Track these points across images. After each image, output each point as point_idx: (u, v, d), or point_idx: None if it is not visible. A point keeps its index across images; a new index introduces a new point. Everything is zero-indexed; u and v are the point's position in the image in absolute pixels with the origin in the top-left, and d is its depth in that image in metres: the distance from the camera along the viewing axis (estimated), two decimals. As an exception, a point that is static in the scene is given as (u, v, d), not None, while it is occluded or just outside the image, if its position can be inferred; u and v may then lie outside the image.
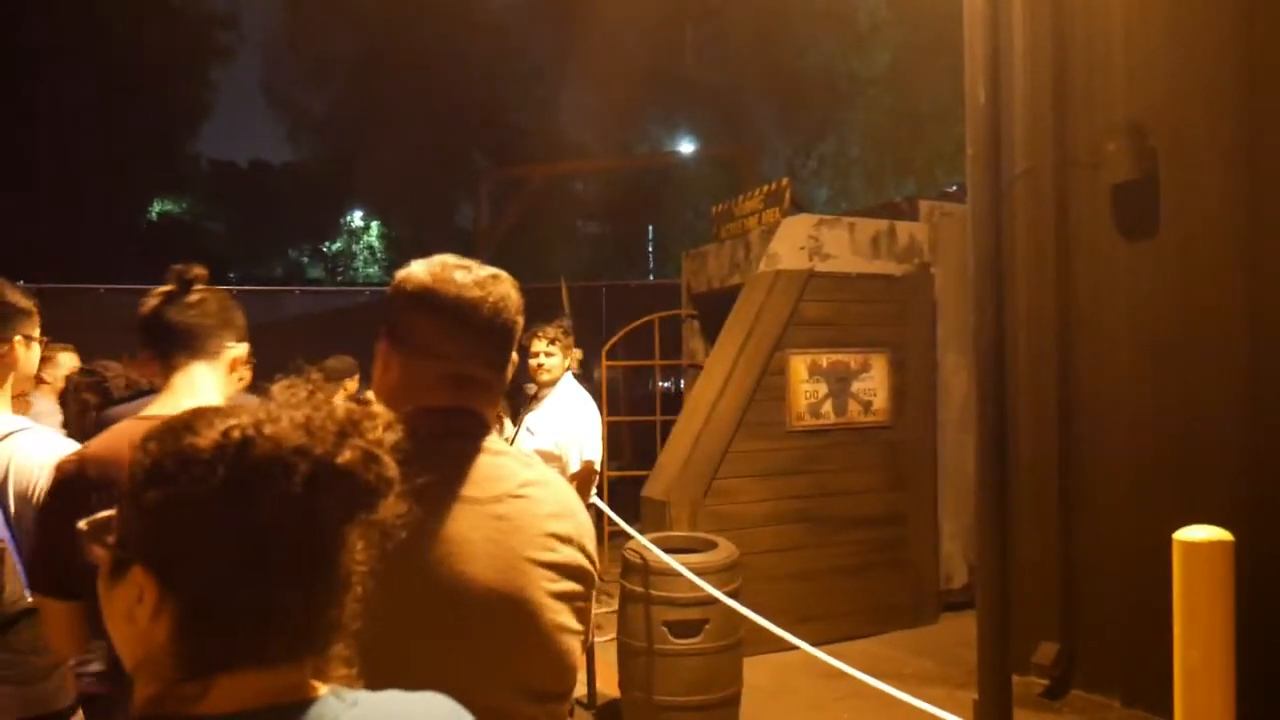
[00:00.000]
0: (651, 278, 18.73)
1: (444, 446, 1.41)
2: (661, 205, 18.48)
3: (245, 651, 0.86)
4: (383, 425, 0.93)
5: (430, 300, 1.46)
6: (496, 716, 1.23)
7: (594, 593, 1.50)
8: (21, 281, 9.59)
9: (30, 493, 2.20)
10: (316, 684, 0.91)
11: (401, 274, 1.52)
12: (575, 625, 1.43)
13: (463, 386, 1.47)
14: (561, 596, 1.41)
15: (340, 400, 0.92)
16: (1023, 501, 5.56)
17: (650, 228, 19.77)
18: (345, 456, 0.87)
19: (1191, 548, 2.34)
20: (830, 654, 4.22)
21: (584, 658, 4.86)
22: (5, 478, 2.23)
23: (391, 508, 0.92)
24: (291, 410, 0.89)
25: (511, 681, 1.38)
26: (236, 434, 0.86)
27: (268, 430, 0.86)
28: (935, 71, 12.83)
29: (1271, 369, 4.56)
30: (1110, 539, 5.31)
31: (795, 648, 4.36)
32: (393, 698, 0.96)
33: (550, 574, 1.40)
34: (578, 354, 5.37)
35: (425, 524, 1.26)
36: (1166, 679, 4.98)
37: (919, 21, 12.82)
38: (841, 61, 15.11)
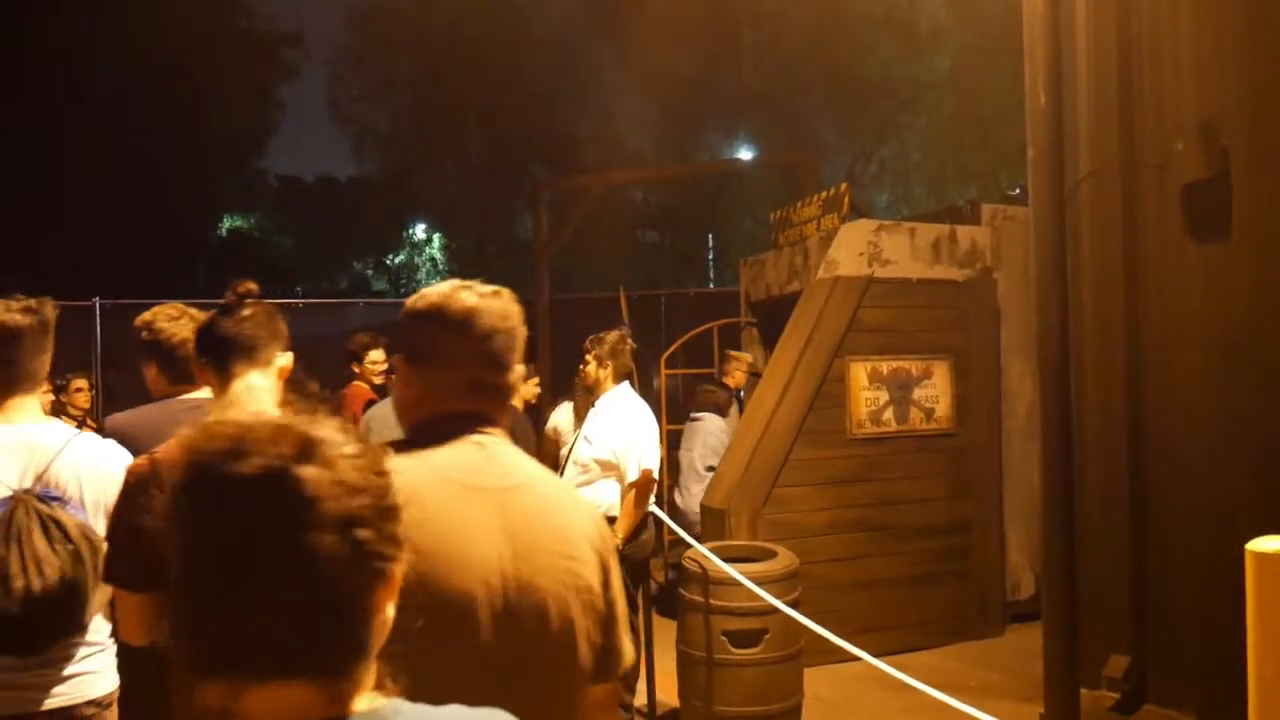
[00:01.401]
0: (711, 286, 18.69)
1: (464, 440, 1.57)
2: (720, 213, 18.44)
3: (252, 663, 0.87)
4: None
5: (441, 316, 1.62)
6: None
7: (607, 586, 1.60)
8: (97, 298, 9.90)
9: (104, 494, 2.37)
10: (358, 698, 0.92)
11: (412, 299, 1.69)
12: (581, 617, 1.53)
13: (477, 392, 1.62)
14: (572, 588, 1.53)
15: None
16: (1092, 510, 5.42)
17: (709, 236, 19.75)
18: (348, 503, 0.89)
19: (1266, 559, 2.26)
20: (893, 665, 4.16)
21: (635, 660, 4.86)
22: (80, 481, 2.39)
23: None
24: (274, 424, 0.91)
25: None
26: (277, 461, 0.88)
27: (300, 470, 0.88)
28: (997, 74, 12.62)
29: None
30: (1184, 549, 5.15)
31: (857, 659, 4.31)
32: (451, 711, 0.98)
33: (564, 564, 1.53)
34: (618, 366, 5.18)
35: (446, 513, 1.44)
36: (1240, 693, 4.83)
37: (980, 24, 12.62)
38: (901, 66, 14.94)
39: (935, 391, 6.73)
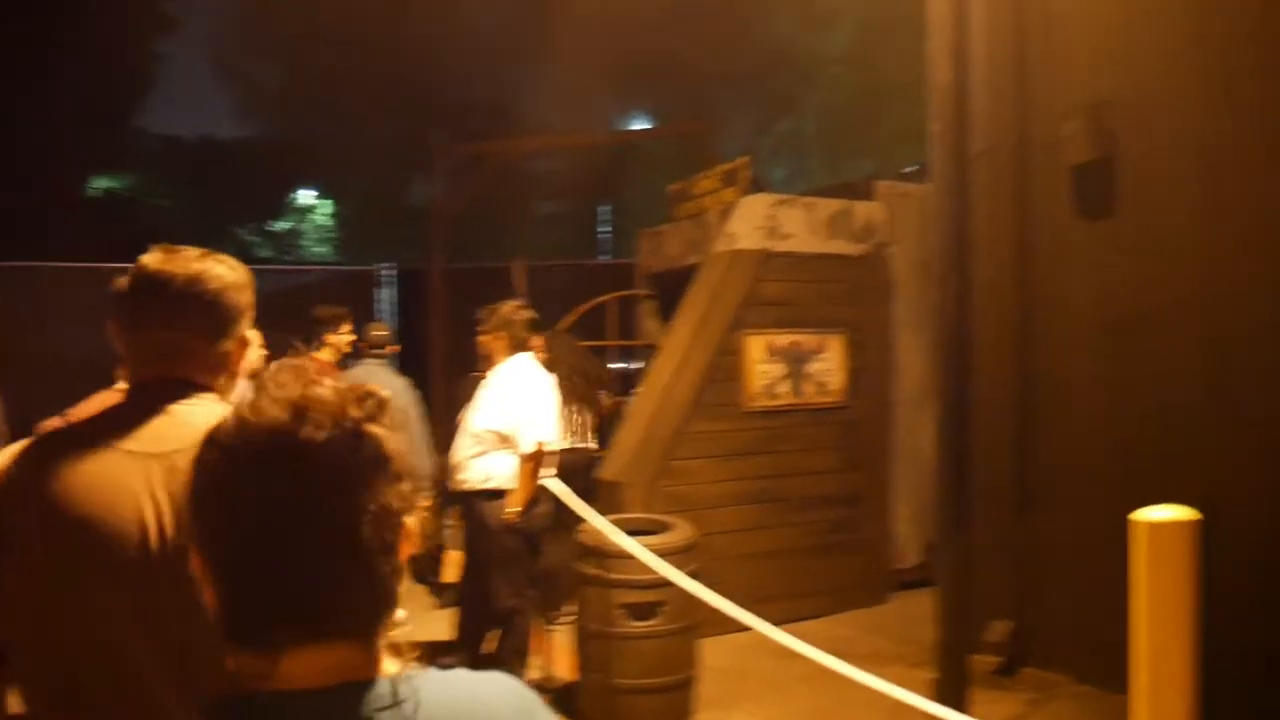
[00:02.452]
0: (608, 258, 18.60)
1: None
2: (620, 184, 18.35)
3: (293, 627, 0.89)
4: (373, 403, 0.96)
5: (135, 281, 1.63)
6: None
7: None
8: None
9: None
10: (385, 663, 0.95)
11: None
12: None
13: (171, 357, 1.62)
14: None
15: (330, 382, 0.96)
16: (979, 480, 5.56)
17: (608, 207, 19.62)
18: (330, 435, 0.91)
19: (1153, 528, 2.31)
20: (787, 634, 4.19)
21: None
22: None
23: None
24: (284, 393, 0.92)
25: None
26: (236, 421, 0.92)
27: (258, 416, 0.91)
28: (895, 50, 12.84)
29: (1227, 348, 4.59)
30: (1064, 518, 5.34)
31: (752, 629, 4.33)
32: (460, 676, 1.02)
33: None
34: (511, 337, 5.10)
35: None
36: (1118, 656, 5.03)
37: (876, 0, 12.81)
38: (800, 39, 15.05)
39: (830, 365, 6.81)
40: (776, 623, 6.35)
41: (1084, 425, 5.25)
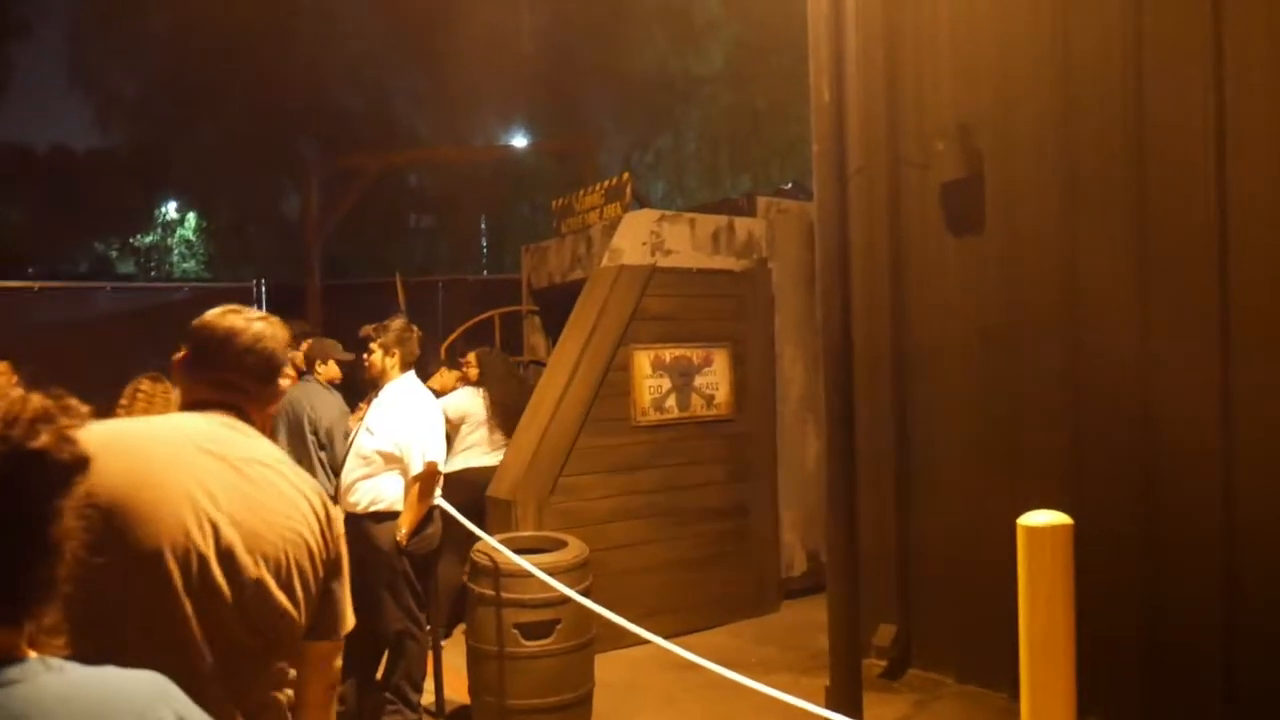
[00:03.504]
0: (486, 273, 18.45)
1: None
2: (498, 199, 18.21)
3: None
4: (76, 415, 1.08)
5: (212, 328, 2.01)
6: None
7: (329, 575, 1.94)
8: None
9: None
10: (28, 649, 1.02)
11: (207, 314, 2.04)
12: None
13: (233, 390, 1.99)
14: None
15: (36, 396, 1.06)
16: (861, 488, 5.73)
17: (486, 221, 19.43)
18: (40, 441, 1.01)
19: (1034, 532, 2.43)
20: (679, 647, 4.22)
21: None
22: None
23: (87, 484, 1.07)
24: None
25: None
26: None
27: None
28: (770, 70, 13.12)
29: (1088, 354, 4.85)
30: (943, 522, 5.54)
31: (645, 643, 4.34)
32: (104, 671, 1.09)
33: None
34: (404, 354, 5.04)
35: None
36: (997, 655, 5.24)
37: (752, 19, 13.06)
38: (677, 59, 15.25)
39: (715, 378, 6.91)
40: (670, 635, 6.38)
41: (958, 432, 5.47)
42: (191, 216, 26.35)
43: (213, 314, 2.03)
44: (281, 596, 1.79)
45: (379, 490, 4.84)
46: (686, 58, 15.36)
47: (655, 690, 5.59)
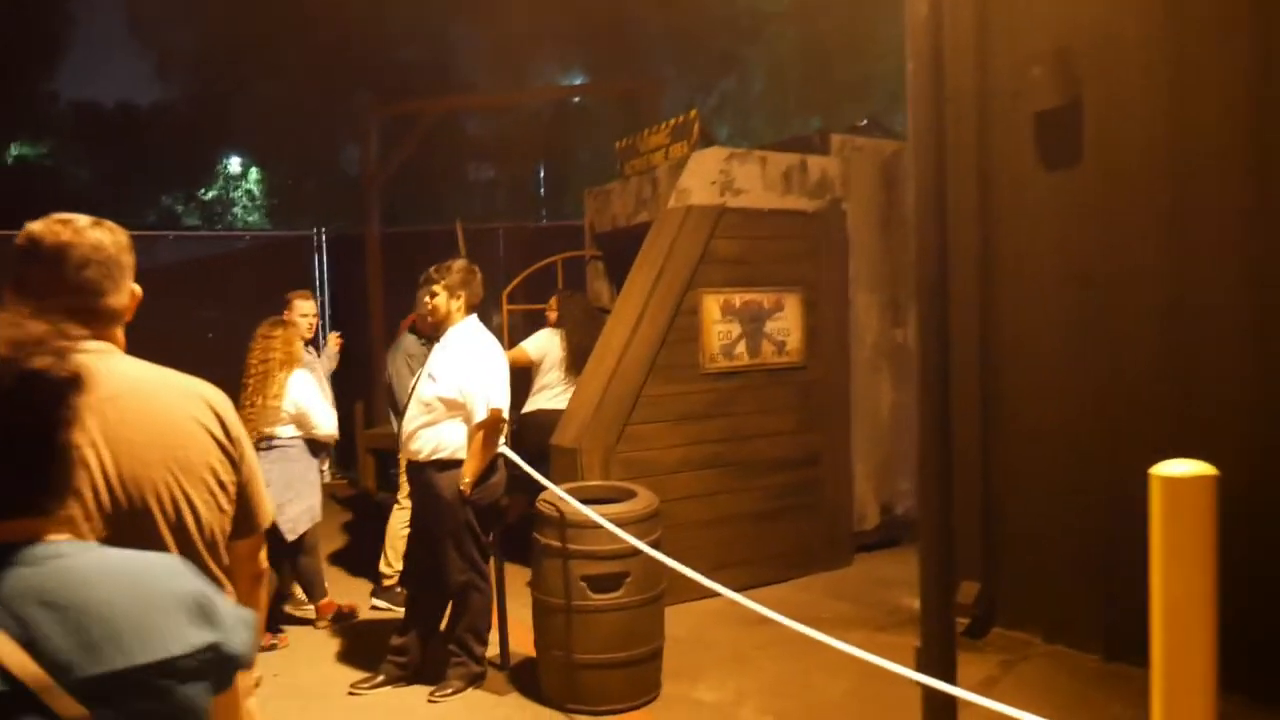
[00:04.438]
0: (545, 219, 18.20)
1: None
2: (557, 145, 17.89)
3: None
4: (71, 339, 1.24)
5: (36, 250, 1.78)
6: None
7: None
8: None
9: None
10: (56, 534, 1.20)
11: (20, 233, 1.81)
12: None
13: (74, 317, 1.65)
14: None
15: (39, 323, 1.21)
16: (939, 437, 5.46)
17: (545, 168, 19.14)
18: (42, 361, 1.17)
19: (1173, 483, 2.16)
20: (752, 600, 4.02)
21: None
22: None
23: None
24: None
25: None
26: None
27: None
28: (842, 4, 12.58)
29: (1195, 298, 4.49)
30: (1031, 475, 5.24)
31: (713, 595, 4.13)
32: (129, 551, 1.28)
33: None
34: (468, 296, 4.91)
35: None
36: (1089, 615, 4.95)
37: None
38: (741, -3, 14.73)
39: (787, 324, 6.64)
40: (738, 589, 6.24)
41: (1049, 380, 5.15)
42: (254, 171, 26.49)
43: (33, 230, 1.79)
44: (190, 530, 1.76)
45: (441, 438, 4.69)
46: (750, -4, 14.78)
47: (725, 645, 5.41)
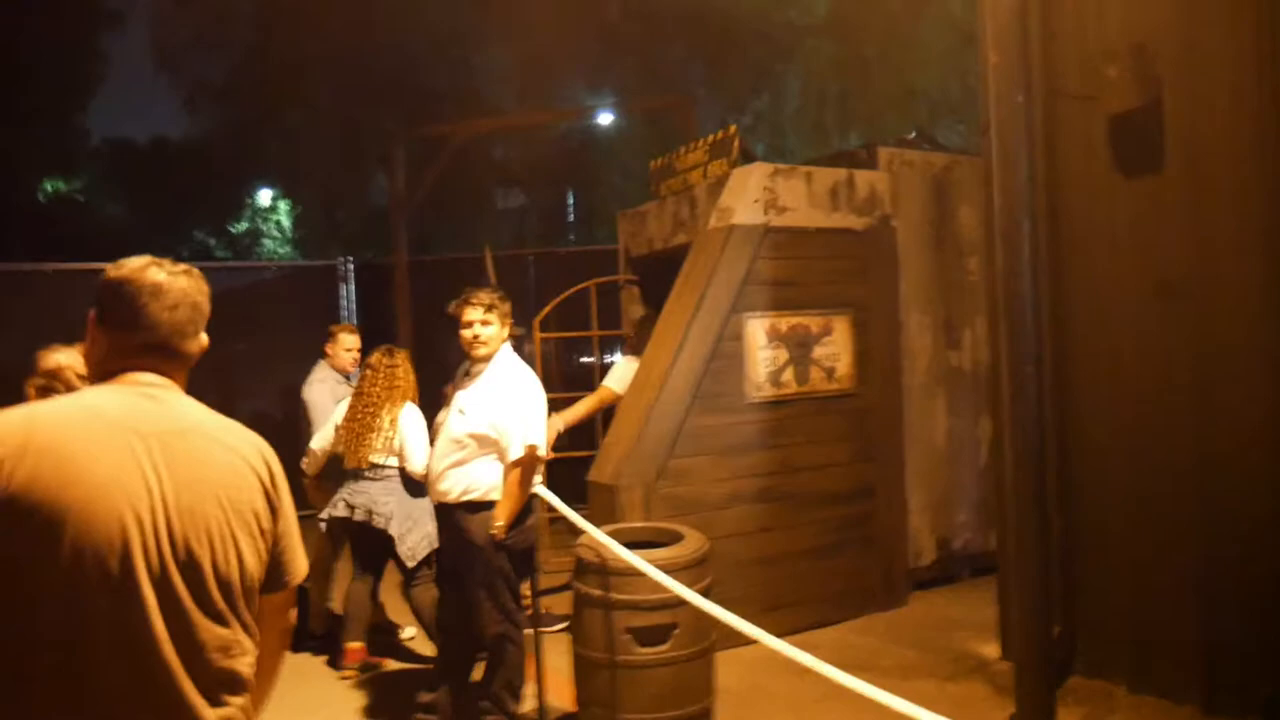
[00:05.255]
0: (574, 244, 17.89)
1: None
2: (586, 168, 17.60)
3: None
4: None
5: (132, 285, 1.85)
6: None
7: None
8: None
9: None
10: None
11: (110, 267, 1.88)
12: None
13: (154, 354, 1.86)
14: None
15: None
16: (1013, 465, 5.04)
17: (573, 192, 18.86)
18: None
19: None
20: (802, 645, 3.61)
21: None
22: None
23: None
24: None
25: None
26: None
27: None
28: (880, 15, 12.21)
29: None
30: (1112, 505, 4.80)
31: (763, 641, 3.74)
32: None
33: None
34: (516, 329, 4.69)
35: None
36: (1182, 661, 4.49)
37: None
38: (778, 10, 14.31)
39: (836, 349, 6.25)
40: (789, 632, 5.82)
41: (1130, 405, 4.72)
42: (283, 204, 26.50)
43: (131, 268, 1.88)
44: (233, 572, 1.78)
45: (473, 478, 4.34)
46: (787, 10, 14.36)
47: (782, 698, 4.99)
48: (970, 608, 6.34)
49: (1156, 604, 4.63)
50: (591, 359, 9.59)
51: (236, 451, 1.86)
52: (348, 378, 6.22)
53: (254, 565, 1.83)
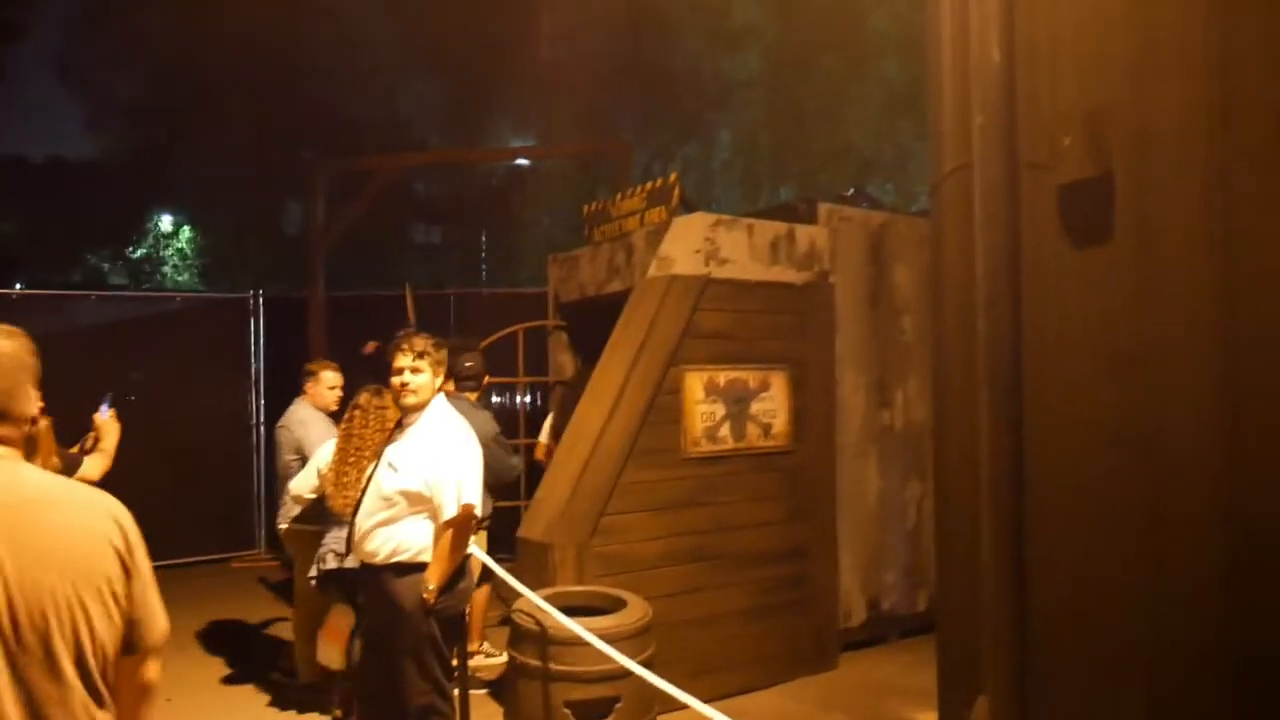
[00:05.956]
0: (498, 285, 17.62)
1: None
2: (510, 208, 17.38)
3: None
4: None
5: None
6: None
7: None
8: None
9: None
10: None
11: None
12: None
13: None
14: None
15: None
16: (958, 535, 4.95)
17: (497, 232, 18.60)
18: None
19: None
20: (734, 713, 3.43)
21: None
22: None
23: None
24: None
25: None
26: None
27: None
28: (817, 72, 12.35)
29: (1248, 379, 4.06)
30: (1062, 578, 4.74)
31: (692, 706, 3.54)
32: None
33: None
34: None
35: None
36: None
37: (795, 20, 12.26)
38: (710, 61, 14.39)
39: (773, 405, 6.14)
40: (720, 696, 5.62)
41: (1083, 467, 4.68)
42: (186, 229, 25.59)
43: None
44: (84, 640, 1.78)
45: (402, 537, 4.05)
46: (719, 60, 14.44)
47: (718, 771, 4.77)
48: (901, 671, 6.25)
49: (1107, 681, 4.56)
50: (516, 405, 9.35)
51: (83, 520, 1.85)
52: (332, 416, 5.94)
53: (106, 631, 1.83)
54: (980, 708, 4.84)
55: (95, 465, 4.34)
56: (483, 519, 5.88)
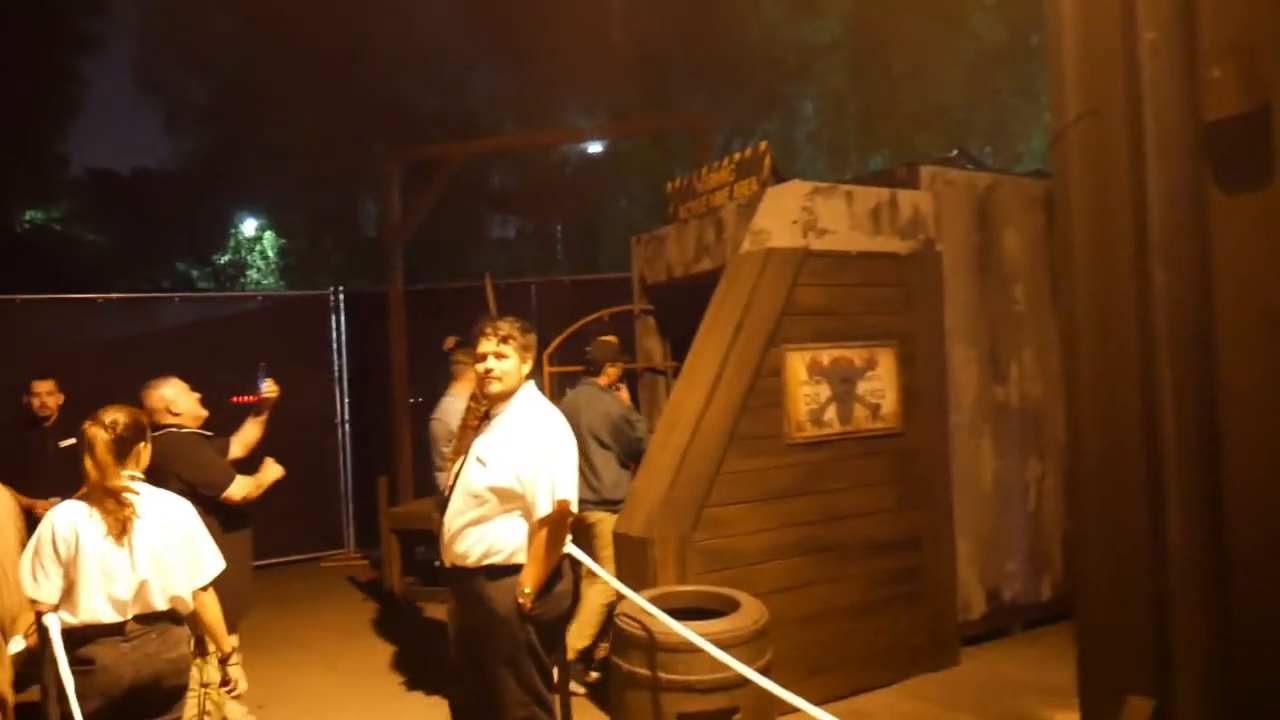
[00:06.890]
0: (579, 272, 17.34)
1: None
2: (587, 195, 17.08)
3: None
4: None
5: None
6: None
7: None
8: None
9: None
10: None
11: None
12: None
13: None
14: None
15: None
16: (1097, 512, 4.48)
17: (575, 220, 18.35)
18: None
19: None
20: (853, 715, 3.07)
21: None
22: None
23: None
24: None
25: None
26: None
27: None
28: (903, 32, 11.75)
29: None
30: (1243, 569, 4.24)
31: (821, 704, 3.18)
32: None
33: None
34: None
35: None
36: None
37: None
38: (790, 30, 13.82)
39: (880, 384, 5.72)
40: (835, 698, 5.24)
41: (1240, 439, 4.18)
42: (269, 235, 25.94)
43: None
44: None
45: (495, 538, 3.75)
46: (800, 27, 13.85)
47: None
48: (1028, 666, 5.80)
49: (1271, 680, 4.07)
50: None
51: None
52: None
53: None
54: (1133, 708, 4.37)
55: (252, 431, 5.18)
56: (618, 501, 5.74)
